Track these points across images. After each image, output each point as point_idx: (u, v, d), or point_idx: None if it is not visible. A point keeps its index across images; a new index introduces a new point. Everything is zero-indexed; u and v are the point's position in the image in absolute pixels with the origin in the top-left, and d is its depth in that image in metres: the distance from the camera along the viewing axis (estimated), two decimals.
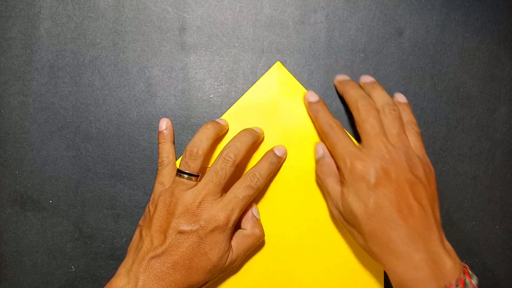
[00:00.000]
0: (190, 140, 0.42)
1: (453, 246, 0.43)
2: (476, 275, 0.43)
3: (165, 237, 0.37)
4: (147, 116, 0.43)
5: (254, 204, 0.41)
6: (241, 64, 0.43)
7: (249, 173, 0.39)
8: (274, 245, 0.42)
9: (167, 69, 0.43)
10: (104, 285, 0.37)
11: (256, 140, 0.40)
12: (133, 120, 0.43)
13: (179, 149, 0.43)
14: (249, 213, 0.40)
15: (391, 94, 0.43)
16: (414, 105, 0.44)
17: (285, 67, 0.43)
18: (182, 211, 0.37)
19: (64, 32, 0.43)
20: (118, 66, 0.43)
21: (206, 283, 0.38)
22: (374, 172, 0.35)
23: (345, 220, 0.38)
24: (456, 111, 0.44)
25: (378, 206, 0.35)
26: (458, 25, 0.44)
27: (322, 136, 0.40)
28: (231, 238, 0.38)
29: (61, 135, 0.43)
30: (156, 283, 0.35)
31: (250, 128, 0.41)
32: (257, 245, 0.41)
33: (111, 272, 0.39)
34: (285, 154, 0.42)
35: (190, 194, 0.37)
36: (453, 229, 0.44)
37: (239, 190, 0.38)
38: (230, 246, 0.38)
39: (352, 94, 0.39)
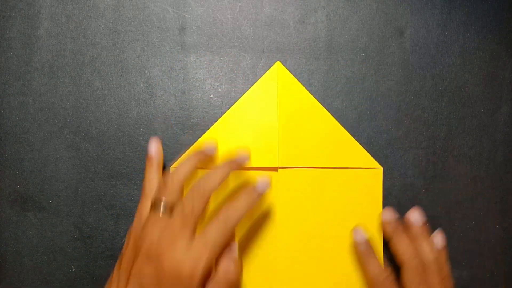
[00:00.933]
0: (190, 140, 0.43)
1: (453, 246, 0.43)
2: (476, 275, 0.43)
3: (128, 281, 0.34)
4: (147, 116, 0.43)
5: (233, 241, 0.37)
6: (241, 64, 0.43)
7: (222, 211, 0.35)
8: (274, 248, 0.42)
9: (167, 69, 0.43)
10: (104, 285, 0.37)
11: (227, 177, 0.37)
12: (133, 120, 0.43)
13: (178, 149, 0.43)
14: (225, 250, 0.36)
15: (394, 97, 0.43)
16: (415, 105, 0.43)
17: (285, 67, 0.43)
18: (145, 251, 0.34)
19: (64, 32, 0.43)
20: (118, 66, 0.43)
21: None
22: None
23: None
24: (457, 111, 0.44)
25: None
26: (459, 24, 0.44)
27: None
28: None
29: (61, 135, 0.43)
30: None
31: (228, 162, 0.38)
32: None
33: (111, 272, 0.39)
34: (268, 188, 0.38)
35: (156, 232, 0.34)
36: (453, 229, 0.44)
37: (210, 235, 0.34)
38: None
39: (404, 250, 0.40)
